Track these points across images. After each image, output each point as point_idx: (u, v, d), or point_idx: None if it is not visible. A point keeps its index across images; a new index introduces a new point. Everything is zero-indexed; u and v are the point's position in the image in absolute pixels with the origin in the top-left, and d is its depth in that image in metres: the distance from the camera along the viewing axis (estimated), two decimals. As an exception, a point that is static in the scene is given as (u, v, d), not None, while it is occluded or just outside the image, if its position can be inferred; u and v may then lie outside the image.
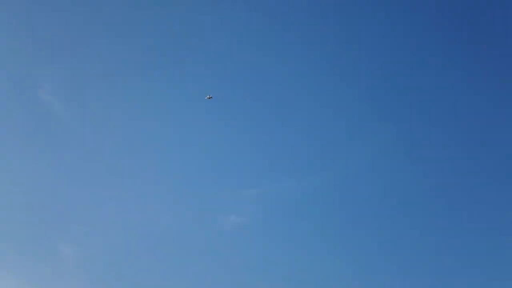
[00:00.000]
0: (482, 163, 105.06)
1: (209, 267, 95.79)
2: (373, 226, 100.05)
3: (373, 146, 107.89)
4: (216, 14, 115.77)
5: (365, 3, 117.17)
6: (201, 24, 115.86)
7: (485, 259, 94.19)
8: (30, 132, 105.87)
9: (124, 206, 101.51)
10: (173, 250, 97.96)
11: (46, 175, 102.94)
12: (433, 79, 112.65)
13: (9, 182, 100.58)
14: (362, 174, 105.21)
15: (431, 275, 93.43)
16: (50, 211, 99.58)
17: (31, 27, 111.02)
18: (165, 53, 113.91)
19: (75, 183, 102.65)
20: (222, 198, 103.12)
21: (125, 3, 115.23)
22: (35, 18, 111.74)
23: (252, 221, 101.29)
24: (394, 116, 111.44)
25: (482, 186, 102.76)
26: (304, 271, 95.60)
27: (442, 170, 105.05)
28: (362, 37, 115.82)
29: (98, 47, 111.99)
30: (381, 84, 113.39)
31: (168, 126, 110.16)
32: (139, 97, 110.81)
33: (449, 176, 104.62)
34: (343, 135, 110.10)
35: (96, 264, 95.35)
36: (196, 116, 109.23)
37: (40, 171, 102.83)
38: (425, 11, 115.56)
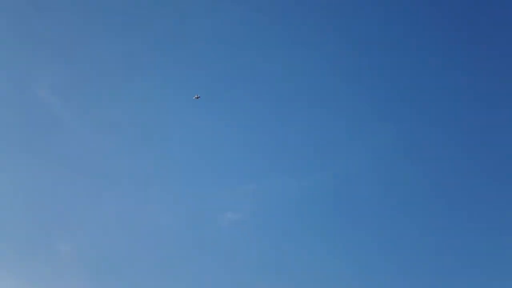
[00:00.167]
0: (482, 162, 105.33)
1: (206, 264, 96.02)
2: (372, 225, 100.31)
3: (372, 145, 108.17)
4: (215, 13, 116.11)
5: (365, 2, 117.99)
6: (200, 23, 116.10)
7: (485, 259, 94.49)
8: (28, 130, 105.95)
9: (121, 204, 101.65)
10: (170, 247, 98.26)
11: (44, 173, 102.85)
12: (433, 78, 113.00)
13: (7, 181, 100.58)
14: (361, 173, 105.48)
15: (430, 275, 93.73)
16: (48, 209, 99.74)
17: (30, 25, 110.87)
18: (164, 51, 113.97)
19: (73, 181, 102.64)
20: (219, 195, 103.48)
21: (124, 2, 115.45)
22: (33, 16, 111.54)
23: (249, 218, 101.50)
24: (394, 115, 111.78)
25: (482, 186, 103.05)
26: (301, 269, 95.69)
27: (442, 169, 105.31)
28: (362, 36, 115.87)
29: (97, 46, 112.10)
30: (380, 84, 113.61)
31: (167, 125, 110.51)
32: (137, 96, 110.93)
33: (449, 175, 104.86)
34: (342, 133, 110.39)
35: (94, 262, 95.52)
36: (194, 114, 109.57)
37: (38, 169, 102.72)
38: (425, 10, 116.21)
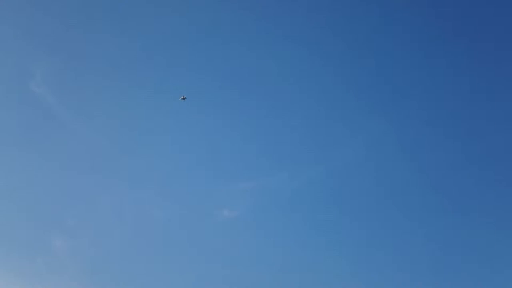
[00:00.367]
0: (475, 157, 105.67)
1: (202, 262, 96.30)
2: (367, 220, 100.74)
3: (367, 140, 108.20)
4: (211, 12, 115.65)
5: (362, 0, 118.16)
6: (196, 20, 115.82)
7: (482, 254, 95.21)
8: (22, 125, 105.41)
9: (117, 200, 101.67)
10: (166, 245, 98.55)
11: (40, 170, 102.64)
12: (428, 74, 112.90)
13: (2, 177, 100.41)
14: (356, 169, 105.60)
15: (426, 270, 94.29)
16: (42, 204, 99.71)
17: (23, 18, 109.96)
18: (161, 47, 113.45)
19: (69, 178, 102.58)
20: (215, 193, 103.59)
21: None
22: (29, 11, 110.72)
23: (246, 215, 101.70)
24: (388, 110, 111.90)
25: (475, 180, 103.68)
26: (298, 265, 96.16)
27: (436, 164, 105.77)
28: (356, 31, 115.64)
29: (93, 41, 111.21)
30: (374, 78, 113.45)
31: (163, 121, 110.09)
32: (134, 93, 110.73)
33: (442, 170, 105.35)
34: (337, 129, 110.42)
35: (90, 259, 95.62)
36: (190, 112, 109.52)
37: (34, 166, 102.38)
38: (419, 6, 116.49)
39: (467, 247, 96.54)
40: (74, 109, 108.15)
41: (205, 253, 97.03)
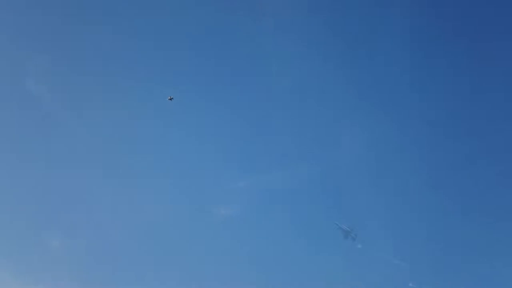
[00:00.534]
0: (474, 156, 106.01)
1: (198, 259, 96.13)
2: (361, 217, 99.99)
3: (363, 139, 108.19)
4: (209, 10, 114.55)
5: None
6: (194, 17, 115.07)
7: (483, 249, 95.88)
8: (17, 122, 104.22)
9: (113, 198, 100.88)
10: (162, 243, 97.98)
11: (35, 168, 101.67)
12: (423, 73, 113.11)
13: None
14: (351, 166, 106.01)
15: (427, 268, 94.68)
16: (37, 203, 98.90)
17: (19, 16, 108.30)
18: (158, 44, 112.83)
19: (65, 176, 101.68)
20: (211, 191, 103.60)
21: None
22: (22, 6, 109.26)
23: (242, 214, 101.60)
24: (386, 110, 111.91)
25: (474, 177, 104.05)
26: (292, 263, 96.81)
27: (433, 161, 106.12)
28: (351, 29, 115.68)
29: (87, 36, 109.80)
30: (370, 76, 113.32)
31: (159, 119, 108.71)
32: (129, 88, 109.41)
33: (440, 166, 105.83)
34: (334, 128, 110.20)
35: (86, 257, 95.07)
36: (187, 110, 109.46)
37: (29, 164, 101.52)
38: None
39: (467, 246, 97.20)
40: (69, 107, 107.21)
41: (201, 250, 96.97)
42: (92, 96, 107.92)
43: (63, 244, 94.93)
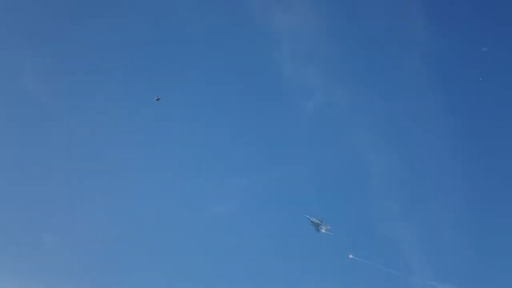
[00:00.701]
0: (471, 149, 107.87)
1: (193, 256, 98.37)
2: (358, 216, 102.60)
3: (357, 134, 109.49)
4: (204, 13, 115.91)
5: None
6: (191, 20, 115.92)
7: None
8: (12, 119, 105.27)
9: (108, 195, 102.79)
10: (158, 240, 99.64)
11: (29, 163, 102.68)
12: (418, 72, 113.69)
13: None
14: (347, 165, 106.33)
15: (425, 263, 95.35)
16: (32, 199, 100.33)
17: (14, 12, 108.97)
18: (152, 40, 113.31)
19: (60, 173, 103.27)
20: (207, 189, 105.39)
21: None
22: (19, 3, 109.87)
23: (237, 211, 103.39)
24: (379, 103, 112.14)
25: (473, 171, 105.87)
26: (287, 260, 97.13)
27: (424, 162, 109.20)
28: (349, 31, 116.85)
29: (84, 34, 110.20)
30: (364, 76, 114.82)
31: (155, 117, 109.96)
32: (125, 87, 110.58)
33: (430, 165, 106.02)
34: (331, 127, 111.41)
35: (80, 253, 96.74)
36: (183, 108, 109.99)
37: (23, 159, 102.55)
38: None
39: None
40: (65, 104, 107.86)
41: (197, 247, 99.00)
42: (91, 94, 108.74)
43: (62, 242, 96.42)
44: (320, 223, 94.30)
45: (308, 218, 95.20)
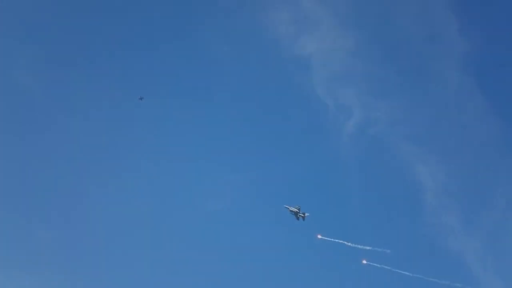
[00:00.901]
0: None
1: (188, 251, 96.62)
2: (355, 214, 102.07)
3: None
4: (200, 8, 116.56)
5: None
6: (187, 14, 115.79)
7: None
8: (5, 114, 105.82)
9: (102, 192, 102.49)
10: (152, 236, 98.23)
11: (25, 159, 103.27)
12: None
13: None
14: (340, 162, 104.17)
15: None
16: (27, 195, 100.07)
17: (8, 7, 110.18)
18: (149, 34, 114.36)
19: (56, 170, 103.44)
20: (201, 184, 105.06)
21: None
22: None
23: (231, 207, 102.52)
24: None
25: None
26: (282, 258, 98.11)
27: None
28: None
29: (80, 30, 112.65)
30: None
31: (150, 115, 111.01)
32: (121, 85, 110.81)
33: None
34: (326, 126, 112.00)
35: (74, 249, 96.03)
36: (179, 106, 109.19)
37: (17, 154, 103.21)
38: None
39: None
40: (59, 97, 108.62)
41: (191, 242, 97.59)
42: (86, 91, 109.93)
43: (57, 240, 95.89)
44: (298, 211, 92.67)
45: (287, 207, 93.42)
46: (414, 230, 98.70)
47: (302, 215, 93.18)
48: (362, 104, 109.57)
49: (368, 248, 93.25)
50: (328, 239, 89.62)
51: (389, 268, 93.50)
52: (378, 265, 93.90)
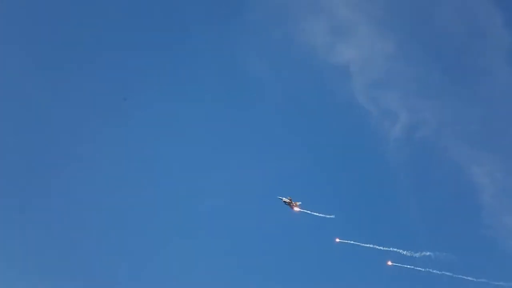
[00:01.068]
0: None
1: (185, 248, 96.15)
2: (352, 213, 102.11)
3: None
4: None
5: None
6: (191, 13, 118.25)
7: None
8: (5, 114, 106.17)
9: (97, 189, 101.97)
10: (150, 232, 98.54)
11: (23, 158, 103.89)
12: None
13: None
14: (338, 160, 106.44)
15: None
16: (27, 194, 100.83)
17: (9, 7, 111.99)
18: (146, 32, 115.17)
19: (53, 166, 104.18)
20: (199, 181, 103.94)
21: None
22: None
23: (229, 204, 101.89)
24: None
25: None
26: (278, 256, 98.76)
27: None
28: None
29: (79, 28, 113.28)
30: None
31: (147, 113, 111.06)
32: (119, 83, 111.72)
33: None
34: (322, 125, 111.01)
35: (69, 248, 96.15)
36: (176, 104, 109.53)
37: (17, 154, 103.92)
38: None
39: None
40: (58, 98, 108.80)
41: (188, 239, 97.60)
42: (84, 89, 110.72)
43: (53, 239, 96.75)
44: (290, 201, 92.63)
45: (280, 198, 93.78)
46: (474, 233, 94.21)
47: (295, 204, 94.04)
48: (408, 107, 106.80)
49: (428, 253, 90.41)
50: (380, 247, 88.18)
51: (450, 274, 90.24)
52: (439, 272, 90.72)
